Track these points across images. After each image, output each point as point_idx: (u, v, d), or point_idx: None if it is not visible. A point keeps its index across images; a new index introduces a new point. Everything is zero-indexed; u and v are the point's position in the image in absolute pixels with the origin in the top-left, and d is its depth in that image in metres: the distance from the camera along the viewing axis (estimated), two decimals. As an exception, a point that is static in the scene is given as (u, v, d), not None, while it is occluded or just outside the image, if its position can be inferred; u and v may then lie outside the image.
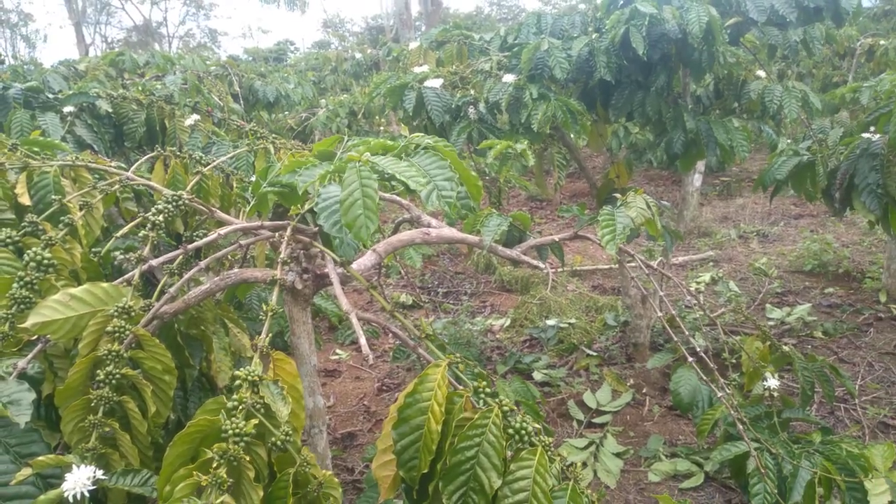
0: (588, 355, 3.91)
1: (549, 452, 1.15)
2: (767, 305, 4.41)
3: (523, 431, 1.15)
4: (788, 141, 5.38)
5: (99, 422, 1.17)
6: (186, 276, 1.39)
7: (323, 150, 1.47)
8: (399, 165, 1.21)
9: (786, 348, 2.42)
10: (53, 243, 1.41)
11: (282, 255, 1.39)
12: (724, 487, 2.73)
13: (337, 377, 3.97)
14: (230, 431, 1.00)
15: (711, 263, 5.55)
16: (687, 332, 2.18)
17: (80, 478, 1.00)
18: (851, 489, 1.80)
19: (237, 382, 1.09)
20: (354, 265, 1.56)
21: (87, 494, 1.00)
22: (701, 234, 6.37)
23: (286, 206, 1.57)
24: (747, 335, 2.67)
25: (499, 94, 2.95)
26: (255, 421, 1.05)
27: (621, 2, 3.06)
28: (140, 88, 4.14)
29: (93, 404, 1.18)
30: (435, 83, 3.03)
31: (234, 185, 2.24)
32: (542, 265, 2.15)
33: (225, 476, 0.96)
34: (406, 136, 1.37)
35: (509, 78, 2.99)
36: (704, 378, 2.13)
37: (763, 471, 1.86)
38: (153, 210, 1.45)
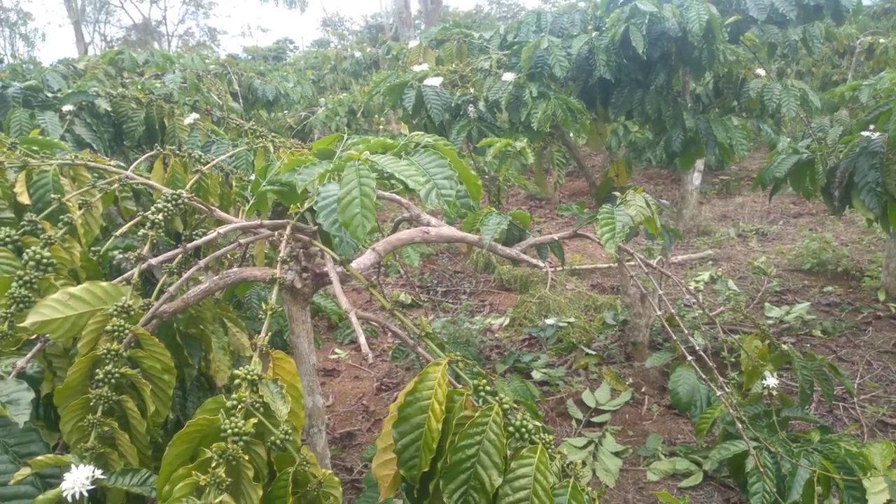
0: (587, 354, 3.91)
1: (550, 450, 1.15)
2: (766, 304, 4.41)
3: (524, 429, 1.15)
4: (788, 139, 5.39)
5: (98, 421, 1.17)
6: (186, 275, 1.38)
7: (322, 148, 1.46)
8: (398, 164, 1.21)
9: (785, 347, 2.42)
10: (52, 242, 1.41)
11: (281, 254, 1.39)
12: (722, 486, 2.73)
13: (336, 376, 3.97)
14: (229, 431, 1.00)
15: (710, 262, 5.55)
16: (686, 331, 2.18)
17: (78, 477, 1.00)
18: (850, 488, 1.81)
19: (236, 381, 1.09)
20: (354, 264, 1.56)
21: (85, 494, 1.00)
22: (700, 233, 6.37)
23: (285, 204, 1.57)
24: (746, 334, 2.67)
25: (498, 92, 2.95)
26: (254, 420, 1.05)
27: (621, 0, 3.05)
28: (139, 87, 4.14)
29: (92, 403, 1.18)
30: (434, 82, 3.03)
31: (234, 184, 2.23)
32: (541, 264, 2.15)
33: (224, 475, 0.96)
34: (406, 135, 1.37)
35: (509, 76, 2.99)
36: (703, 377, 2.14)
37: (762, 469, 1.87)
38: (152, 209, 1.45)
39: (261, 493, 1.03)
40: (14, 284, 1.28)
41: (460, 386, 1.27)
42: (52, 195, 1.63)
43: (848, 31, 7.61)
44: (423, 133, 1.36)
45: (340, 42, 22.52)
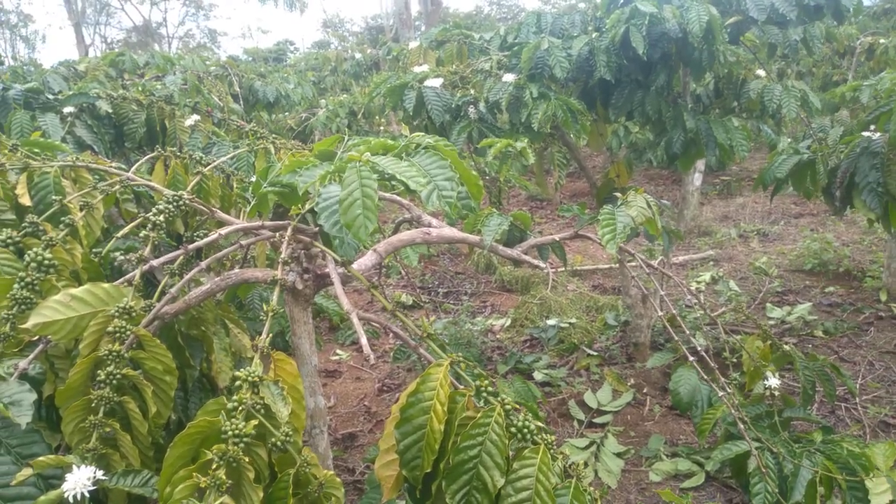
0: (589, 355, 3.90)
1: (552, 451, 1.15)
2: (768, 304, 4.41)
3: (526, 430, 1.15)
4: (788, 140, 5.38)
5: (100, 422, 1.17)
6: (187, 277, 1.39)
7: (323, 150, 1.47)
8: (399, 165, 1.21)
9: (786, 347, 2.42)
10: (54, 244, 1.41)
11: (282, 256, 1.39)
12: (724, 487, 2.73)
13: (337, 378, 3.97)
14: (230, 432, 1.00)
15: (712, 263, 5.55)
16: (687, 332, 2.17)
17: (80, 478, 1.00)
18: (852, 488, 1.80)
19: (238, 383, 1.09)
20: (355, 265, 1.56)
21: (87, 495, 1.00)
22: (701, 234, 6.37)
23: (287, 206, 1.57)
24: (748, 334, 2.66)
25: (499, 93, 2.95)
26: (255, 422, 1.05)
27: (621, 1, 3.06)
28: (140, 89, 4.14)
29: (93, 405, 1.18)
30: (435, 83, 3.03)
31: (235, 186, 2.23)
32: (542, 265, 2.15)
33: (224, 477, 0.96)
34: (406, 136, 1.37)
35: (509, 77, 2.99)
36: (705, 377, 2.13)
37: (764, 470, 1.86)
38: (154, 210, 1.45)
39: (262, 494, 1.02)
40: (16, 286, 1.28)
41: (462, 387, 1.27)
42: (54, 197, 1.63)
43: (848, 31, 7.61)
44: (423, 134, 1.36)
45: (341, 43, 22.52)
